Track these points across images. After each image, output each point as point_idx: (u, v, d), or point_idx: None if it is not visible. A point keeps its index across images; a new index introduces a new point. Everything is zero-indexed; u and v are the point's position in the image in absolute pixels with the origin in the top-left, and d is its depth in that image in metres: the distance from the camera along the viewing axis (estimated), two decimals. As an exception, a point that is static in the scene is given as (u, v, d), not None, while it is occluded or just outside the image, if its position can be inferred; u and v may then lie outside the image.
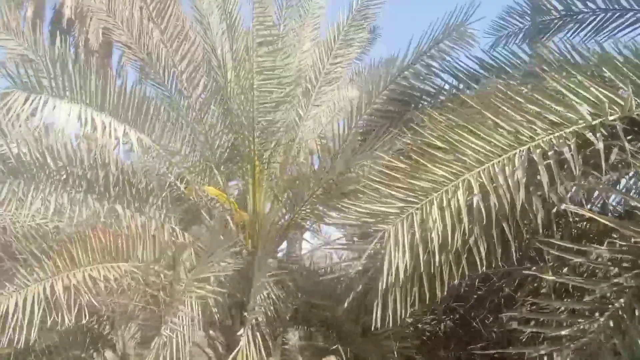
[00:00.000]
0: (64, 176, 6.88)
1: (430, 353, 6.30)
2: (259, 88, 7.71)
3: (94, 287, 5.69)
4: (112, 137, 6.33)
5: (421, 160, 4.40)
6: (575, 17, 8.09)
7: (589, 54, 5.64)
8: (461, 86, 7.24)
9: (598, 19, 7.90)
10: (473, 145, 4.44)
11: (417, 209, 4.47)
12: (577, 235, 5.09)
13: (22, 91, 5.73)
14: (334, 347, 5.99)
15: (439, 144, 4.42)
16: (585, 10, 7.92)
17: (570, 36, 7.89)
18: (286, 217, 8.03)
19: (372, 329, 5.03)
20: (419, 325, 6.31)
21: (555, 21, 8.38)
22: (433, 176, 4.45)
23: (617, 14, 7.78)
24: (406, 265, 4.36)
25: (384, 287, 4.41)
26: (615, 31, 7.87)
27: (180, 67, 8.18)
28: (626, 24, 7.76)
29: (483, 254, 4.48)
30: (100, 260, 6.02)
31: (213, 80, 8.38)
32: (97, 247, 6.03)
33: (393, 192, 4.42)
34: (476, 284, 5.86)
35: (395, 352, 5.97)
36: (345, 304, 4.82)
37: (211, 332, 7.06)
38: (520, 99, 4.55)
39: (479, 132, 4.44)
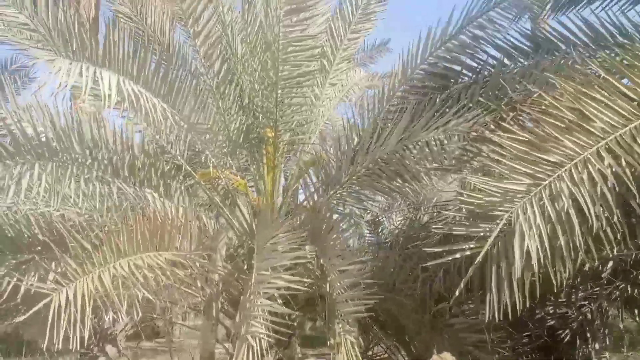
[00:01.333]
0: (89, 160, 6.04)
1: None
2: (285, 62, 6.92)
3: (145, 279, 4.91)
4: (152, 112, 5.53)
5: (546, 132, 3.80)
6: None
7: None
8: (506, 61, 6.65)
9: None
10: (601, 115, 3.86)
11: (546, 185, 3.86)
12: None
13: (65, 59, 4.88)
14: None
15: (567, 113, 3.82)
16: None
17: (606, 8, 7.24)
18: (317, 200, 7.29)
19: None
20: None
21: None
22: (562, 149, 3.86)
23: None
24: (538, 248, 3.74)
25: (516, 273, 3.78)
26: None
27: (197, 41, 7.31)
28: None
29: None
30: (143, 249, 5.24)
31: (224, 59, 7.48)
32: (140, 236, 5.25)
33: (519, 167, 3.80)
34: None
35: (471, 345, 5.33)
36: (457, 293, 4.16)
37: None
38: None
39: (606, 100, 3.86)
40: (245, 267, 6.24)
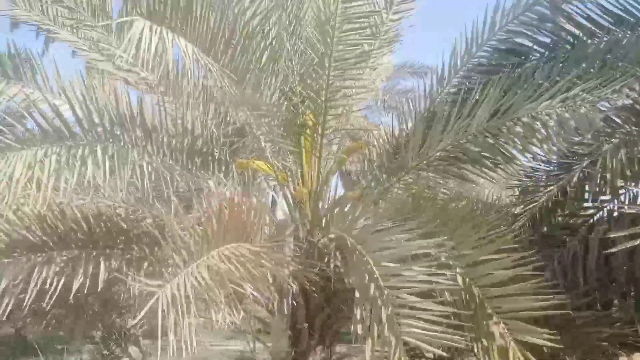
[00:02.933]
0: (148, 144, 5.18)
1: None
2: (340, 41, 6.09)
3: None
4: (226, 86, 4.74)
5: None
6: None
7: None
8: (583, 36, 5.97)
9: None
10: None
11: None
12: None
13: (146, 20, 4.04)
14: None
15: None
16: None
17: None
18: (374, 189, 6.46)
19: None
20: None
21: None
22: None
23: None
24: None
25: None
26: None
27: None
28: None
29: None
30: (228, 240, 4.44)
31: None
32: (224, 226, 4.43)
33: None
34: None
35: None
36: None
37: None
38: None
39: None
40: (325, 260, 5.41)
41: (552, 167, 6.08)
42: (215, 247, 4.30)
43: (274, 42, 6.53)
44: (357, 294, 4.16)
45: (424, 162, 5.99)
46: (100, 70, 6.65)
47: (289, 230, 5.75)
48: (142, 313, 3.42)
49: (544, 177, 6.15)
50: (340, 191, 8.60)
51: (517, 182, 6.56)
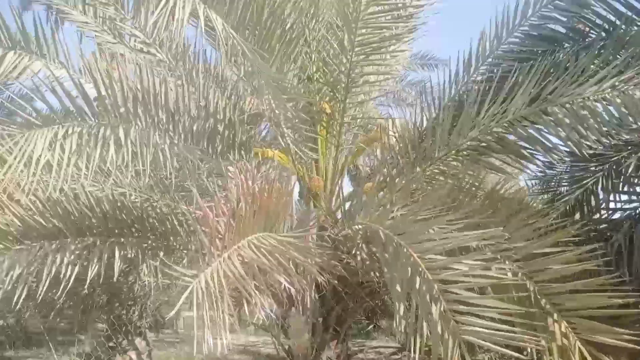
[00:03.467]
0: (171, 126, 4.87)
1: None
2: (365, 24, 5.80)
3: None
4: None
5: None
6: None
7: None
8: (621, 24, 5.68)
9: None
10: None
11: None
12: None
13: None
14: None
15: None
16: None
17: None
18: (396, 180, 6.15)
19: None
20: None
21: None
22: None
23: None
24: None
25: None
26: None
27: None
28: None
29: None
30: (256, 229, 4.15)
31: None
32: (253, 215, 4.14)
33: None
34: None
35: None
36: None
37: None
38: None
39: None
40: (352, 252, 5.12)
41: (586, 158, 5.78)
42: (244, 236, 4.02)
43: (293, 27, 6.26)
44: (397, 288, 3.86)
45: (453, 151, 5.71)
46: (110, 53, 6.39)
47: (312, 221, 5.49)
48: (179, 304, 3.14)
49: (577, 169, 5.87)
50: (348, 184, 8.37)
51: (548, 173, 6.29)
